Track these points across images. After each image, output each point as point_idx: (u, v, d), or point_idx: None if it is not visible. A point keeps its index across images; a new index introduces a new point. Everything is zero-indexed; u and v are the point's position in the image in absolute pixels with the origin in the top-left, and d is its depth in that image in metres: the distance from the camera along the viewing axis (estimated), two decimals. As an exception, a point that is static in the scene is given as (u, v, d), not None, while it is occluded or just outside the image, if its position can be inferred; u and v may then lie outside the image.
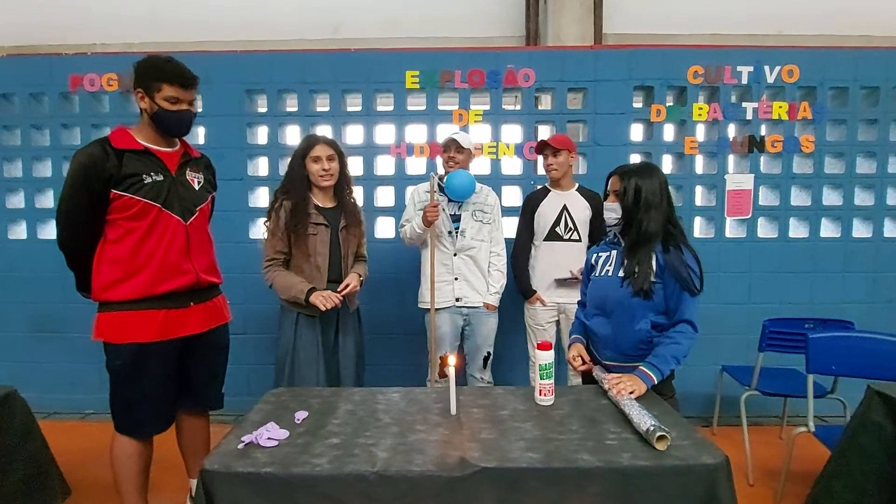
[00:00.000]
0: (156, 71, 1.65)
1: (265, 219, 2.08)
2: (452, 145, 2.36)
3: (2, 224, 3.00)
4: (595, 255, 1.76)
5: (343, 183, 2.11)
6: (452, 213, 2.41)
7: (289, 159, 2.10)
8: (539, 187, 2.62)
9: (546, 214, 2.46)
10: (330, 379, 2.04)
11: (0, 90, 2.92)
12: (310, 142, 2.06)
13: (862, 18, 3.41)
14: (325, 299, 1.91)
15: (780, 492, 2.12)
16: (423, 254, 2.46)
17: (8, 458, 1.68)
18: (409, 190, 2.69)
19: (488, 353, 2.45)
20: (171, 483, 2.14)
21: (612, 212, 1.65)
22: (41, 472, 1.79)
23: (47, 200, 3.00)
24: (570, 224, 2.44)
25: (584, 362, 1.71)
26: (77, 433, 2.75)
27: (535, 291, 2.46)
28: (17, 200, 3.01)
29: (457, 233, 2.40)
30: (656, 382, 1.52)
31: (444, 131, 2.92)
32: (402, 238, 2.48)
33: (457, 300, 2.39)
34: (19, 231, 3.02)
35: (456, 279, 2.39)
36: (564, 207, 2.45)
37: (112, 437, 1.77)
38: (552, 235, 2.45)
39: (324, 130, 2.97)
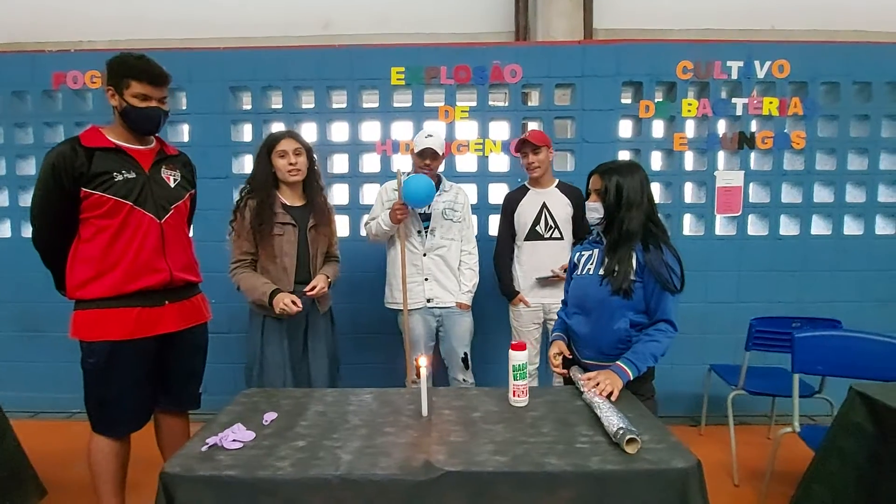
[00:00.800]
0: (125, 68, 1.64)
1: (231, 219, 2.02)
2: (428, 154, 2.26)
3: (-14, 222, 2.98)
4: (578, 254, 1.75)
5: (312, 180, 2.04)
6: (422, 212, 2.34)
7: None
8: (517, 186, 2.57)
9: (525, 214, 2.41)
10: (299, 384, 1.98)
11: (-18, 88, 2.90)
12: (274, 136, 1.99)
13: (855, 13, 3.37)
14: (285, 306, 1.85)
15: (764, 492, 2.10)
16: (390, 254, 2.40)
17: (-22, 461, 1.67)
18: (378, 187, 2.66)
19: (465, 353, 2.39)
20: (150, 482, 2.10)
21: (595, 211, 1.63)
22: (14, 473, 1.78)
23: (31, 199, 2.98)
24: (551, 222, 2.39)
25: (564, 360, 1.69)
26: (62, 433, 2.73)
27: (518, 293, 2.42)
28: (0, 199, 2.99)
29: (426, 232, 2.34)
30: (632, 378, 1.50)
31: (430, 128, 2.89)
32: (367, 234, 2.41)
33: (428, 301, 2.34)
34: (3, 229, 3.00)
35: (426, 280, 2.33)
36: (544, 205, 2.40)
37: (89, 437, 1.76)
38: (533, 235, 2.40)
39: (309, 127, 2.95)
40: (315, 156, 2.06)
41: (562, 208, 2.40)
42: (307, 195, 2.04)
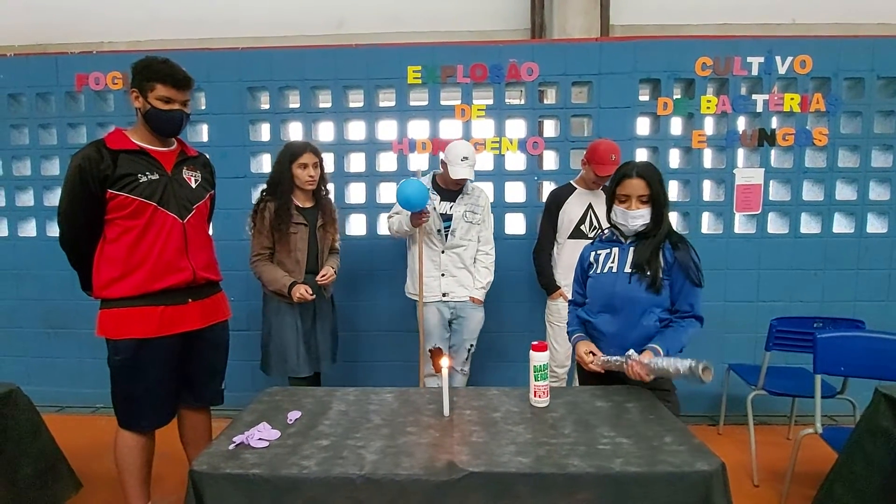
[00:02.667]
0: (149, 71, 1.67)
1: (250, 217, 2.24)
2: (461, 182, 2.39)
3: (12, 222, 3.05)
4: (593, 253, 1.73)
5: (321, 185, 2.28)
6: (443, 212, 2.43)
7: (273, 162, 2.27)
8: (563, 184, 2.58)
9: (571, 212, 2.45)
10: (309, 357, 2.26)
11: (8, 90, 2.96)
12: (298, 149, 2.21)
13: (878, 5, 3.29)
14: (301, 295, 2.13)
15: (785, 493, 2.08)
16: (412, 249, 2.51)
17: (17, 454, 1.72)
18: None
19: (472, 345, 2.52)
20: (174, 476, 2.18)
21: (641, 218, 1.59)
22: (51, 466, 1.83)
23: (56, 198, 2.99)
24: (596, 223, 2.43)
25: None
26: (87, 427, 2.80)
27: (559, 287, 2.45)
28: (26, 199, 3.06)
29: (447, 232, 2.42)
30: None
31: (447, 127, 2.91)
32: (388, 229, 2.52)
33: (443, 295, 2.45)
34: (29, 229, 3.07)
35: (443, 275, 2.45)
36: (590, 206, 2.44)
37: (115, 432, 1.81)
38: (577, 233, 2.44)
39: (326, 127, 2.97)
40: (324, 164, 2.29)
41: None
42: (316, 198, 2.30)
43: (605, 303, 1.65)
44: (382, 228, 3.00)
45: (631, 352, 1.48)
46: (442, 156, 2.43)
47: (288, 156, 2.19)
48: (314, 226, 2.25)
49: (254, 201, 2.23)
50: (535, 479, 1.10)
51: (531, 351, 1.45)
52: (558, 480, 1.10)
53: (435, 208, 2.41)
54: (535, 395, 1.45)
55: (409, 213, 2.29)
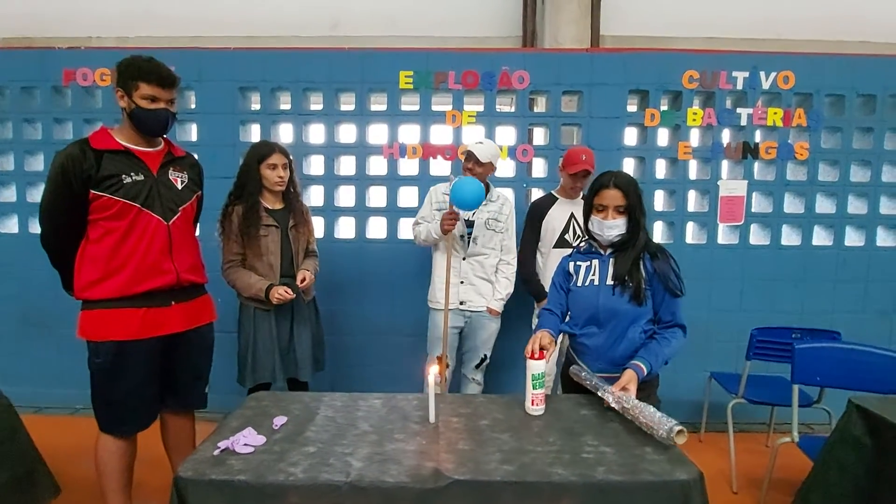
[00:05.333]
0: (134, 69, 1.65)
1: (218, 222, 2.15)
2: (472, 157, 2.31)
3: (-7, 218, 3.00)
4: (573, 264, 1.72)
5: (290, 186, 2.21)
6: (466, 218, 2.38)
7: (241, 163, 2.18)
8: (544, 194, 2.61)
9: (554, 222, 2.48)
10: (287, 366, 2.19)
11: (-9, 83, 2.91)
12: (267, 149, 2.14)
13: (860, 23, 3.38)
14: (280, 296, 2.05)
15: (762, 500, 2.13)
16: (435, 256, 2.47)
17: (-6, 458, 1.69)
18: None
19: (485, 355, 2.47)
20: (156, 481, 2.14)
21: (616, 228, 1.60)
22: (29, 471, 1.79)
23: (39, 195, 2.96)
24: (579, 231, 2.46)
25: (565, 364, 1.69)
26: (67, 428, 2.76)
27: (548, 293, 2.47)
28: (8, 194, 3.00)
29: (469, 238, 2.39)
30: (645, 374, 1.51)
31: (438, 132, 2.92)
32: (414, 237, 2.48)
33: (461, 303, 2.41)
34: (11, 225, 3.02)
35: (462, 282, 2.41)
36: (572, 215, 2.47)
37: (96, 436, 1.78)
38: (561, 243, 2.47)
39: (316, 129, 2.97)
40: (293, 165, 2.23)
41: None
42: (285, 199, 2.21)
43: (589, 316, 1.65)
44: (372, 233, 3.01)
45: (618, 392, 1.43)
46: (463, 159, 2.41)
47: (256, 156, 2.12)
48: (286, 228, 2.17)
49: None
50: (520, 488, 1.12)
51: (528, 360, 1.46)
52: (543, 488, 1.12)
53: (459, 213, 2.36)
54: (531, 404, 1.47)
55: (438, 220, 2.27)
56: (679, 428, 1.21)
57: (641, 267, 1.59)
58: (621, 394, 1.42)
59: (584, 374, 1.58)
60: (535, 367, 1.46)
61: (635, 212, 1.59)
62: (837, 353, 2.04)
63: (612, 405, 1.41)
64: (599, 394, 1.47)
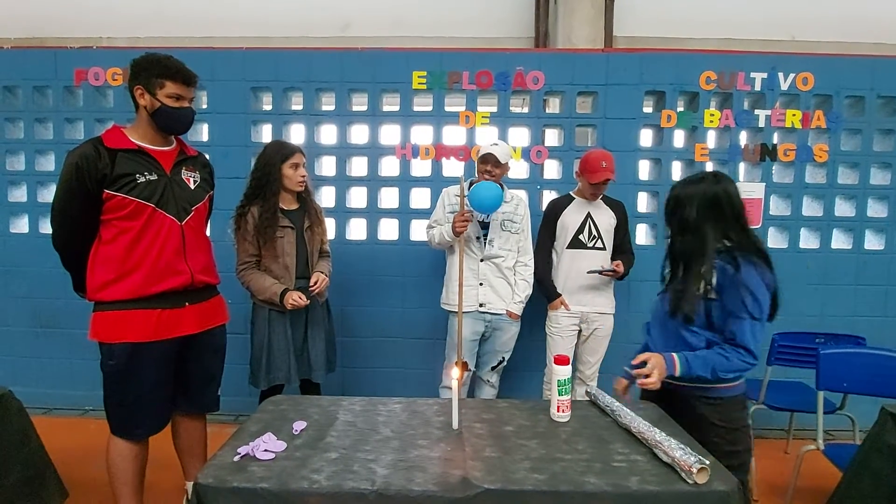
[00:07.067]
0: (158, 67, 1.63)
1: (233, 220, 2.12)
2: (491, 160, 2.28)
3: (3, 218, 2.97)
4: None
5: (306, 186, 2.20)
6: (481, 219, 2.36)
7: (257, 163, 2.13)
8: (562, 195, 2.58)
9: (569, 222, 2.44)
10: (301, 367, 2.17)
11: (4, 82, 2.90)
12: (290, 149, 2.12)
13: (877, 25, 3.34)
14: (294, 302, 2.02)
15: (786, 509, 2.08)
16: (450, 258, 2.45)
17: (5, 460, 1.66)
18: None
19: (503, 358, 2.44)
20: (167, 484, 2.12)
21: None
22: (38, 474, 1.76)
23: (50, 194, 2.95)
24: (595, 232, 2.43)
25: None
26: (77, 430, 2.73)
27: (560, 294, 2.44)
28: (19, 194, 2.98)
29: (485, 240, 2.37)
30: (677, 374, 1.41)
31: (451, 133, 2.89)
32: (428, 241, 2.45)
33: (480, 305, 2.37)
34: (21, 225, 3.00)
35: (481, 284, 2.37)
36: (589, 216, 2.44)
37: (108, 439, 1.76)
38: (575, 243, 2.44)
39: (328, 129, 2.94)
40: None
41: (606, 219, 2.45)
42: (300, 199, 2.20)
43: (654, 318, 1.62)
44: (384, 234, 2.98)
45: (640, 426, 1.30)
46: (477, 162, 2.39)
47: (279, 156, 2.08)
48: (301, 228, 2.14)
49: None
50: (552, 497, 1.08)
51: (554, 365, 1.43)
52: (576, 498, 1.08)
53: (473, 214, 2.33)
54: (557, 410, 1.42)
55: (450, 218, 2.27)
56: (700, 466, 1.08)
57: (713, 277, 1.41)
58: (642, 425, 1.29)
59: (602, 399, 1.50)
60: (560, 372, 1.42)
61: (683, 225, 1.47)
62: (864, 359, 2.00)
63: (633, 433, 1.31)
64: (620, 420, 1.38)
